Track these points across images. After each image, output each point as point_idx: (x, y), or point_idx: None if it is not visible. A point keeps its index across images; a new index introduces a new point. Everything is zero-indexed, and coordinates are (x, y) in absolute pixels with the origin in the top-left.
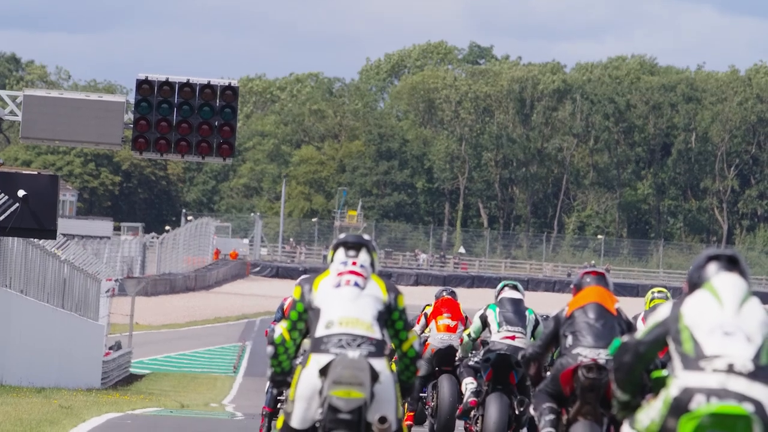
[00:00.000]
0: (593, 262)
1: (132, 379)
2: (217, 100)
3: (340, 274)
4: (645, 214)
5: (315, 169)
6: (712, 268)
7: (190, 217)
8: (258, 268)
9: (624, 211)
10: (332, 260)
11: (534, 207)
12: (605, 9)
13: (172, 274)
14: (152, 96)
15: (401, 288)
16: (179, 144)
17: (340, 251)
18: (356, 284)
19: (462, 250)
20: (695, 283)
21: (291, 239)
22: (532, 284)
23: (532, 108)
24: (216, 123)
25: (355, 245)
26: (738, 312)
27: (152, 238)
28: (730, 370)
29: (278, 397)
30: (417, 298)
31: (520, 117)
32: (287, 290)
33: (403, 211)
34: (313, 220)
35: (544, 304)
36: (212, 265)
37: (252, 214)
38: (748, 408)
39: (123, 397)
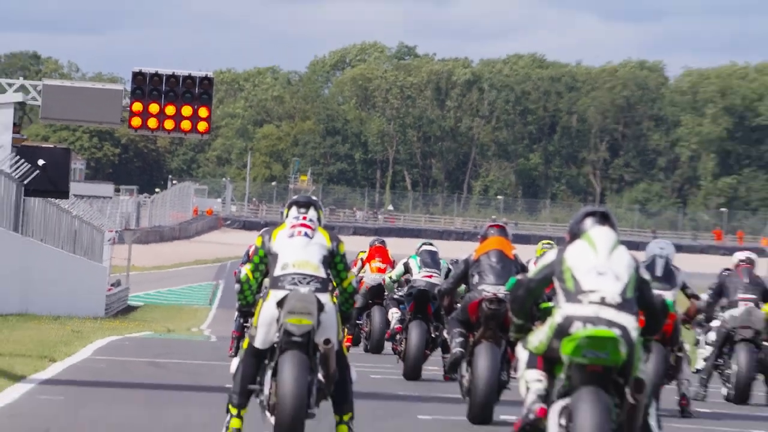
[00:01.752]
0: (494, 217)
1: (129, 309)
2: (196, 88)
3: (293, 226)
4: (536, 179)
5: (274, 144)
6: (588, 222)
7: (174, 182)
8: (228, 222)
9: (519, 176)
10: (287, 216)
11: (447, 173)
12: (508, 16)
13: (161, 227)
14: (145, 85)
15: (342, 238)
16: (166, 123)
17: (294, 209)
18: (306, 234)
19: (390, 207)
20: (575, 233)
21: (254, 199)
22: (445, 235)
23: (447, 95)
24: (195, 106)
25: (305, 204)
26: (609, 257)
27: (145, 197)
28: (602, 302)
29: (244, 324)
30: (354, 246)
31: (438, 102)
32: (251, 239)
33: (344, 176)
34: (273, 183)
35: (455, 251)
36: (192, 220)
37: (223, 179)
38: (615, 332)
39: (122, 324)
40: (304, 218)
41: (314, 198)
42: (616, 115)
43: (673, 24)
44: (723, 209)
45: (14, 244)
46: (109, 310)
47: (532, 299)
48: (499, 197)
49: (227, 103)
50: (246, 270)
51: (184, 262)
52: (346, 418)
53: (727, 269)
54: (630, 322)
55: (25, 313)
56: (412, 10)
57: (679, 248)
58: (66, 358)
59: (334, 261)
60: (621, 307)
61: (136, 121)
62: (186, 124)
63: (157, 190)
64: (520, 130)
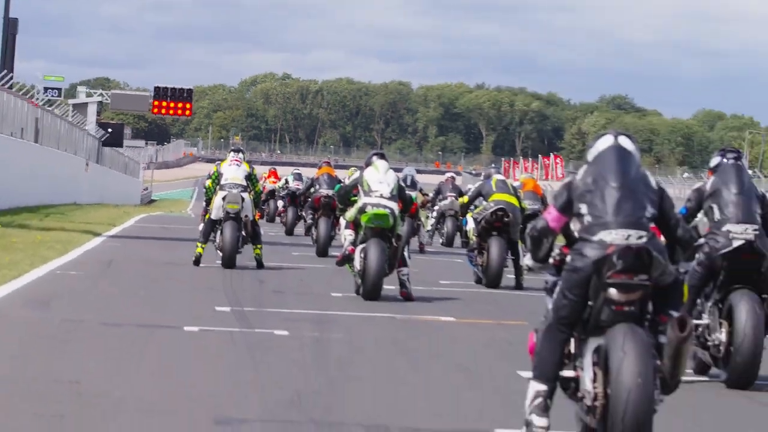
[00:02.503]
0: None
1: (152, 201)
2: (185, 94)
3: (231, 160)
4: None
5: (223, 121)
6: (374, 158)
7: (174, 139)
8: (200, 159)
9: None
10: (228, 155)
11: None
12: None
13: (167, 161)
14: (160, 91)
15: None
16: (168, 110)
17: (231, 153)
18: (237, 164)
19: (279, 151)
20: (368, 163)
21: (213, 147)
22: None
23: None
24: (184, 102)
25: (237, 150)
26: (385, 174)
27: (159, 147)
28: (381, 196)
29: (206, 207)
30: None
31: (304, 104)
32: (210, 168)
33: (257, 137)
34: (222, 140)
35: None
36: (183, 158)
37: (198, 138)
38: (387, 211)
39: (148, 208)
40: (236, 159)
41: (242, 148)
42: (388, 106)
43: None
44: (439, 152)
45: (97, 171)
46: (142, 201)
47: (349, 195)
48: (331, 147)
49: (200, 101)
50: (208, 182)
51: (179, 178)
52: (258, 247)
53: (442, 182)
54: (395, 206)
55: (101, 203)
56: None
57: (419, 171)
58: (121, 224)
59: (251, 177)
60: (390, 199)
61: (156, 110)
62: (180, 111)
63: (165, 142)
64: (341, 113)
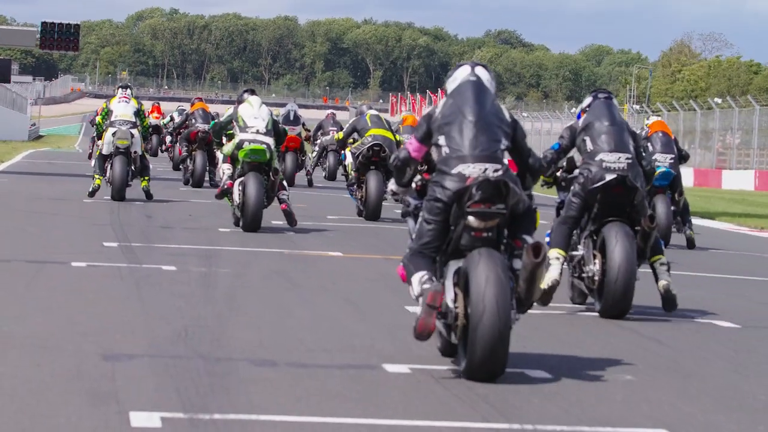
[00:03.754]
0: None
1: (40, 137)
2: (72, 29)
3: (120, 97)
4: None
5: (111, 56)
6: (246, 95)
7: (61, 75)
8: (87, 94)
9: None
10: (116, 92)
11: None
12: None
13: (55, 97)
14: (47, 27)
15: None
16: (57, 45)
17: (120, 90)
18: (126, 101)
19: (166, 87)
20: (240, 101)
21: (100, 83)
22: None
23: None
24: (71, 38)
25: (125, 86)
26: (259, 110)
27: (47, 82)
28: (257, 132)
29: (97, 142)
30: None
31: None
32: (99, 104)
33: (144, 73)
34: (109, 75)
35: None
36: (71, 94)
37: (85, 73)
38: (264, 146)
39: (36, 143)
40: (124, 96)
41: (130, 84)
42: (275, 41)
43: None
44: (327, 87)
45: None
46: (30, 137)
47: (224, 130)
48: (219, 82)
49: (87, 36)
50: (98, 119)
51: (67, 114)
52: (146, 179)
53: (323, 118)
54: (271, 141)
55: None
56: None
57: (306, 107)
58: (9, 159)
59: (139, 113)
60: (266, 134)
61: (43, 46)
62: (67, 47)
63: (53, 78)
64: (228, 49)
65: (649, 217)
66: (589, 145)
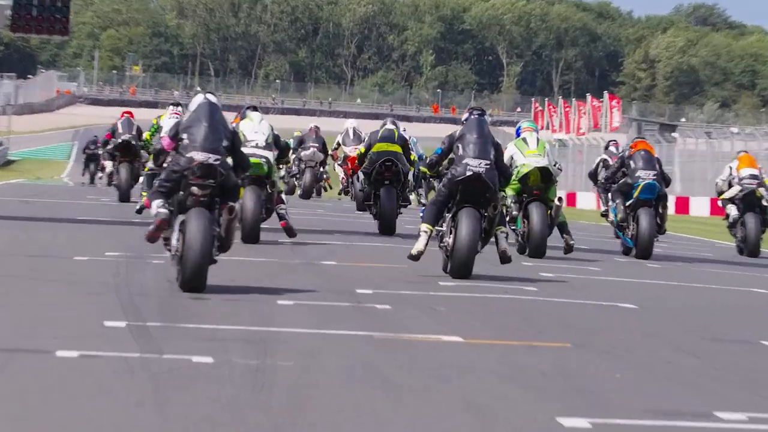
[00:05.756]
0: (274, 95)
1: (9, 163)
2: (58, 2)
3: (171, 113)
4: (303, 68)
5: (115, 43)
6: (248, 111)
7: (42, 70)
8: (81, 99)
9: (291, 66)
10: (167, 108)
11: (240, 64)
12: None
13: (32, 103)
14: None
15: (162, 110)
16: (36, 27)
17: (171, 107)
18: (177, 118)
19: (198, 89)
20: (243, 117)
21: (100, 82)
22: (239, 109)
23: (239, 7)
24: (57, 15)
25: (176, 104)
26: (259, 124)
27: (21, 81)
28: (257, 146)
29: (150, 161)
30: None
31: (233, 12)
32: (98, 113)
33: (165, 67)
34: (114, 71)
35: None
36: (55, 98)
37: (77, 68)
38: (262, 160)
39: (5, 172)
40: (176, 113)
41: (182, 103)
42: (361, 22)
43: None
44: (438, 90)
45: None
46: None
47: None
48: (277, 81)
49: (81, 14)
50: (146, 134)
51: (52, 127)
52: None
53: (305, 131)
54: (270, 155)
55: None
56: None
57: (408, 118)
58: None
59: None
60: (265, 148)
61: (15, 27)
62: (50, 29)
63: (29, 76)
64: (291, 33)
65: (492, 206)
66: (460, 151)
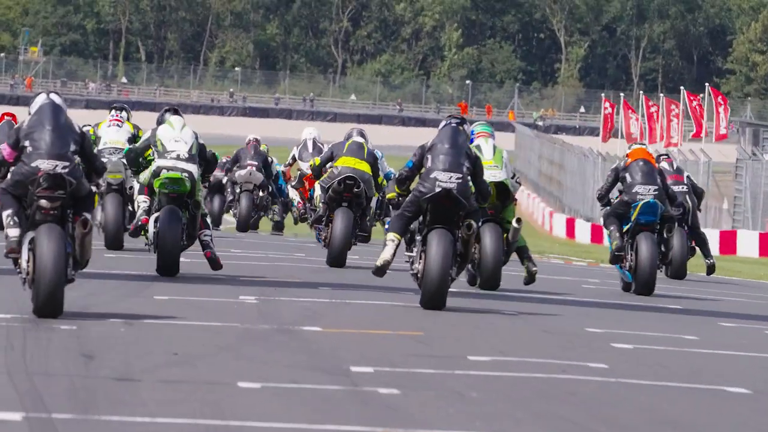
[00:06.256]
0: (232, 90)
1: None
2: None
3: (111, 120)
4: (274, 50)
5: (3, 13)
6: (167, 115)
7: None
8: None
9: (257, 47)
10: (109, 113)
11: (183, 44)
12: None
13: None
14: None
15: (71, 111)
16: None
17: (112, 111)
18: (119, 124)
19: (124, 80)
20: (160, 122)
21: None
22: (181, 108)
23: None
24: None
25: (120, 108)
26: (181, 132)
27: None
28: (178, 157)
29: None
30: (88, 120)
31: None
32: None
33: (76, 48)
34: (1, 55)
35: (193, 123)
36: None
37: None
38: (184, 174)
39: None
40: (116, 119)
41: (126, 107)
42: None
43: None
44: (467, 81)
45: None
46: None
47: (138, 158)
48: (236, 69)
49: None
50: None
51: None
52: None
53: (242, 147)
54: (194, 169)
55: None
56: None
57: (424, 122)
58: None
59: (135, 139)
60: (188, 160)
61: None
62: None
63: None
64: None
65: (466, 225)
66: (429, 163)
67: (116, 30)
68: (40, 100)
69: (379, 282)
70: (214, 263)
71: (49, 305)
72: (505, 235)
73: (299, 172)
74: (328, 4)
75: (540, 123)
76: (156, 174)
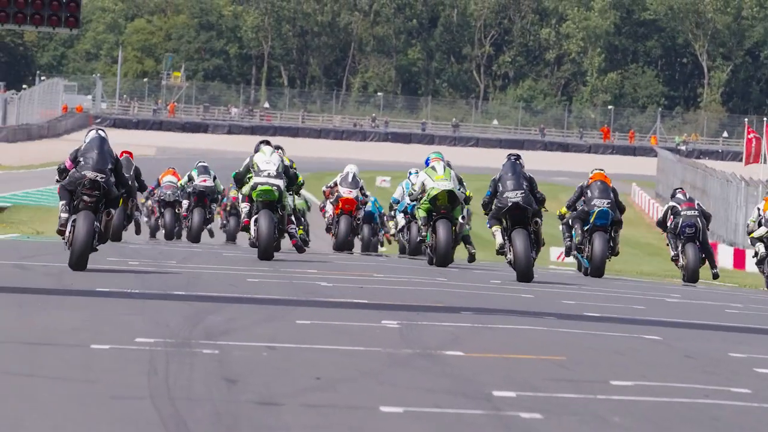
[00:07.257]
0: (374, 114)
1: None
2: None
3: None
4: (416, 75)
5: (146, 38)
6: (261, 146)
7: (43, 78)
8: (99, 120)
9: (399, 72)
10: (259, 147)
11: (325, 69)
12: None
13: (28, 125)
14: None
15: (216, 137)
16: (34, 17)
17: (265, 147)
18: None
19: (267, 105)
20: (256, 150)
21: (125, 96)
22: (324, 133)
23: None
24: (64, 0)
25: (278, 148)
26: (270, 157)
27: (12, 94)
28: (269, 175)
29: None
30: (230, 146)
31: None
32: (122, 137)
33: (219, 73)
34: (144, 80)
35: (335, 150)
36: (61, 117)
37: (93, 75)
38: (274, 187)
39: None
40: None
41: (281, 146)
42: (499, 9)
43: None
44: (610, 107)
45: None
46: None
47: (243, 177)
48: (378, 94)
49: None
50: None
51: (54, 162)
52: (300, 228)
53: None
54: (281, 183)
55: None
56: None
57: (566, 147)
58: None
59: (287, 171)
60: (276, 177)
61: (2, 16)
62: (54, 19)
63: (24, 86)
64: (399, 24)
65: (534, 222)
66: (500, 188)
67: (259, 55)
68: (92, 134)
69: (521, 306)
70: (299, 248)
71: (79, 262)
72: (453, 227)
73: (336, 194)
74: (470, 29)
75: (682, 148)
76: (254, 188)
